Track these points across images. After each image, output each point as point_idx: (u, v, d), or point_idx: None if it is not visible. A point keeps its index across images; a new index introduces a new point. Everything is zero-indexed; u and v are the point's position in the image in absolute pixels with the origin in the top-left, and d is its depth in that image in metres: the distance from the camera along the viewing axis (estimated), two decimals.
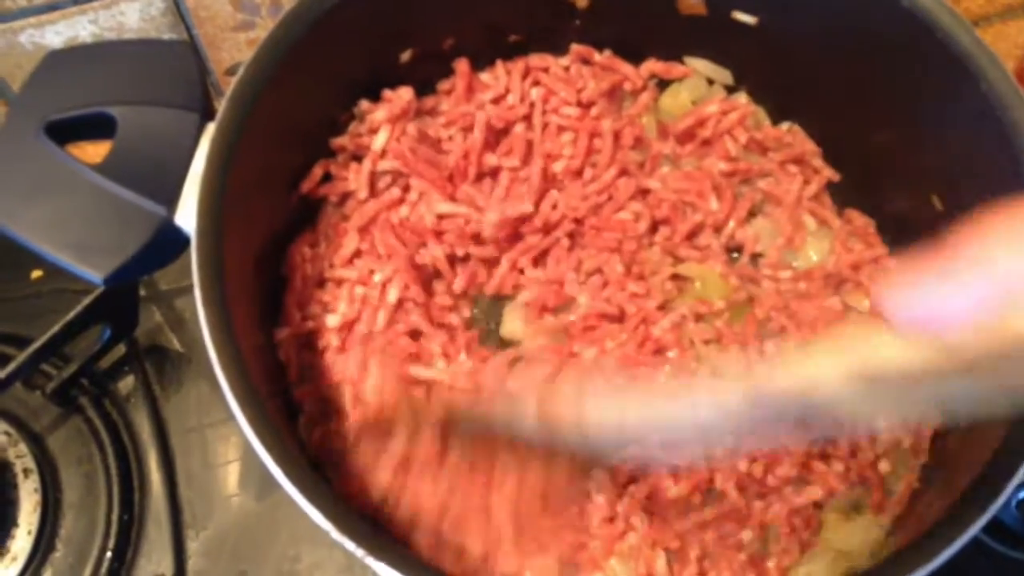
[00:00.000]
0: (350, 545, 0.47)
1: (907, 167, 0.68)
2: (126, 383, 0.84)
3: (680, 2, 0.72)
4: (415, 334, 0.69)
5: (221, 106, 0.58)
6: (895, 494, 0.65)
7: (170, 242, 0.57)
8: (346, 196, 0.71)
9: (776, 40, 0.70)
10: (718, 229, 0.75)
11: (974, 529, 0.48)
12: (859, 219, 0.74)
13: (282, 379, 0.66)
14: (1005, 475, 0.50)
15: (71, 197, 0.57)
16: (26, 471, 0.77)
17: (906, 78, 0.64)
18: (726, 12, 0.71)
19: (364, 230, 0.70)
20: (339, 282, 0.69)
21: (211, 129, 0.58)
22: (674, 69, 0.78)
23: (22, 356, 0.77)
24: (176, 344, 0.87)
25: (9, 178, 0.58)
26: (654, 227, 0.74)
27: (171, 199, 0.57)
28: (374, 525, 0.55)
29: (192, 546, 0.78)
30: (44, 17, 0.84)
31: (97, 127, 0.60)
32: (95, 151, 0.60)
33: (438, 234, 0.71)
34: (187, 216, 0.56)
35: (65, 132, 0.60)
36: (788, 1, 0.68)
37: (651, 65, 0.78)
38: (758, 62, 0.74)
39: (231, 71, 0.96)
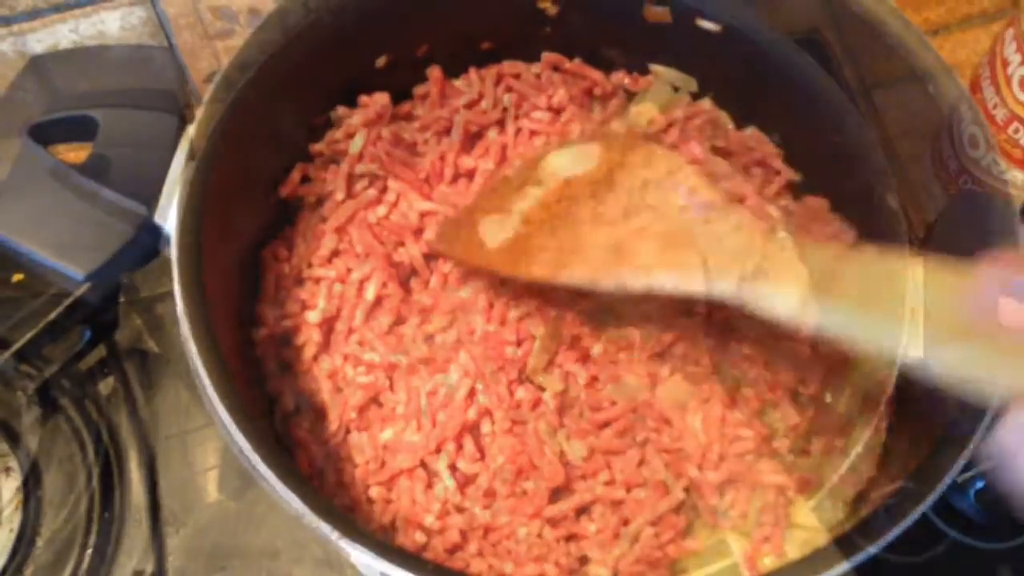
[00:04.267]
0: (325, 528, 0.49)
1: (862, 168, 0.71)
2: (107, 384, 0.85)
3: (647, 11, 0.74)
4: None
5: (200, 108, 0.60)
6: (857, 471, 0.68)
7: (150, 240, 0.59)
8: (323, 198, 0.73)
9: (738, 46, 0.73)
10: None
11: (918, 512, 0.51)
12: (814, 201, 0.77)
13: (259, 375, 0.67)
14: (950, 458, 0.53)
15: (54, 197, 0.59)
16: (7, 470, 0.79)
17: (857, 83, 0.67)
18: (690, 20, 0.74)
19: (341, 230, 0.72)
20: (317, 280, 0.71)
21: (190, 131, 0.60)
22: (640, 81, 0.80)
23: (2, 357, 0.78)
24: (155, 347, 0.88)
25: None
26: None
27: (151, 199, 0.59)
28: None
29: (172, 543, 0.79)
30: (26, 25, 0.86)
31: (79, 129, 0.62)
32: (77, 152, 0.62)
33: (417, 232, 0.73)
34: (167, 215, 0.58)
35: (48, 134, 0.62)
36: (748, 8, 0.71)
37: (619, 77, 0.80)
38: (722, 68, 0.77)
39: (210, 79, 0.97)
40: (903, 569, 0.59)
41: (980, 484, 0.75)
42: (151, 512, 0.79)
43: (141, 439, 0.82)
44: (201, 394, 0.53)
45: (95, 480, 0.79)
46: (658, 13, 0.74)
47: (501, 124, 0.77)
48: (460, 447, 0.67)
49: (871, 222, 0.73)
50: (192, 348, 0.53)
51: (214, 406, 0.52)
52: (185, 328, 0.54)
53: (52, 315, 0.78)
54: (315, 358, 0.68)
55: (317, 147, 0.73)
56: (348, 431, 0.68)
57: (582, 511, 0.67)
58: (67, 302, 0.79)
